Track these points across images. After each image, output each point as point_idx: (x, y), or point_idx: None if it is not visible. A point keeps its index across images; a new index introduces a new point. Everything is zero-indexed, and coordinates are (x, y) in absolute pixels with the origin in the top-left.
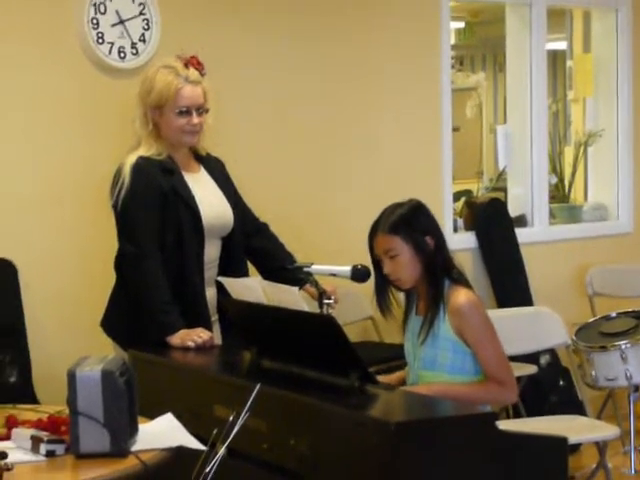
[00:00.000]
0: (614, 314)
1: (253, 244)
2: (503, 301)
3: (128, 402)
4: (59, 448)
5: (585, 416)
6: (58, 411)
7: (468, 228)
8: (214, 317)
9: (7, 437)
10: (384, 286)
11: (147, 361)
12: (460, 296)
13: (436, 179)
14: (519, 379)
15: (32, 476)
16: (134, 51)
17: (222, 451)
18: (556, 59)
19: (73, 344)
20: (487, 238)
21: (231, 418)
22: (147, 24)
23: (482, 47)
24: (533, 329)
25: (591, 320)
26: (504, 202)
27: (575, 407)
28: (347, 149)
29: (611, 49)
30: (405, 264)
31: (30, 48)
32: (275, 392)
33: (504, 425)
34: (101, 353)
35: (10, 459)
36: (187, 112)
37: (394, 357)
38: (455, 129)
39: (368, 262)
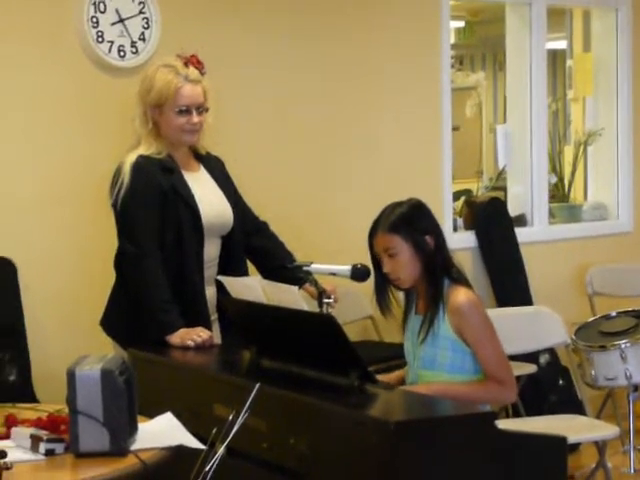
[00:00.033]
0: (614, 313)
1: (253, 243)
2: (503, 300)
3: (128, 401)
4: (58, 447)
5: (584, 415)
6: (57, 410)
7: (468, 227)
8: (214, 316)
9: (6, 436)
10: (384, 285)
11: (147, 360)
12: (460, 295)
13: (436, 178)
14: (519, 378)
15: (31, 475)
16: (134, 50)
17: (222, 450)
18: (556, 58)
19: (73, 343)
20: (487, 237)
21: (231, 417)
22: (147, 23)
23: (482, 46)
24: (533, 328)
25: (591, 319)
26: (504, 201)
27: (575, 406)
28: (347, 148)
29: (611, 48)
30: (405, 263)
31: (30, 47)
32: (275, 391)
33: (503, 424)
34: (101, 352)
35: (9, 458)
36: (187, 111)
37: (394, 356)
38: (455, 128)
39: (368, 262)
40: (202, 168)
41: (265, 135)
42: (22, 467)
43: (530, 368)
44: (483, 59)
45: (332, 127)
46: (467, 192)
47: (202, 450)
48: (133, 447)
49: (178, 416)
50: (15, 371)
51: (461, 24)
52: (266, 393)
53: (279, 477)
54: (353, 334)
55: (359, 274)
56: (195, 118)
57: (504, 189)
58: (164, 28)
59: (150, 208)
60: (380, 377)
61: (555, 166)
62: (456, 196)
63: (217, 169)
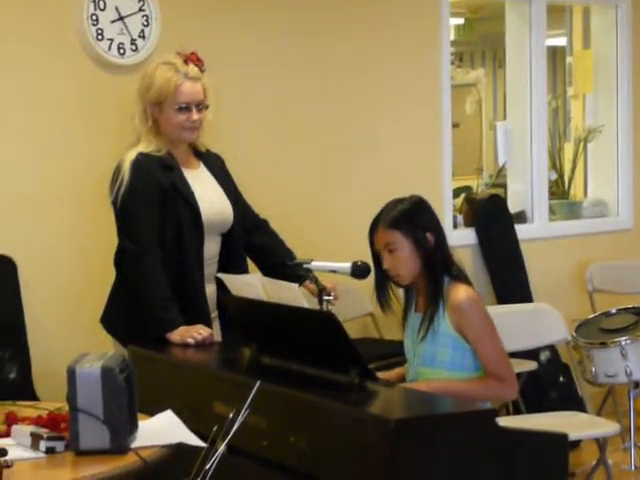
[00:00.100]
0: (614, 310)
1: (253, 240)
2: (503, 297)
3: (128, 399)
4: (59, 445)
5: (585, 412)
6: (58, 408)
7: (468, 224)
8: (214, 314)
9: (7, 434)
10: (384, 281)
11: (147, 358)
12: (460, 292)
13: (436, 175)
14: (519, 375)
15: (32, 473)
16: (134, 47)
17: (222, 448)
18: (556, 55)
19: (73, 341)
20: (487, 234)
21: (231, 415)
22: (147, 20)
23: (482, 43)
24: (533, 325)
25: (591, 316)
26: (504, 198)
27: (575, 403)
28: (347, 145)
29: (611, 45)
30: (404, 259)
31: (29, 45)
32: (275, 389)
33: (504, 422)
34: (101, 350)
35: (10, 456)
36: (187, 108)
37: (394, 354)
38: (455, 125)
39: (368, 261)
40: (202, 165)
41: (265, 133)
42: (22, 465)
43: (530, 365)
44: (483, 56)
45: (332, 125)
46: (467, 189)
47: (202, 448)
48: (133, 445)
49: (178, 414)
50: (15, 369)
51: (461, 21)
52: (266, 391)
53: (279, 475)
54: (353, 331)
55: (359, 271)
56: (195, 115)
57: (504, 186)
58: (164, 26)
59: (150, 206)
60: (380, 375)
61: (555, 163)
62: (456, 193)
63: (217, 166)
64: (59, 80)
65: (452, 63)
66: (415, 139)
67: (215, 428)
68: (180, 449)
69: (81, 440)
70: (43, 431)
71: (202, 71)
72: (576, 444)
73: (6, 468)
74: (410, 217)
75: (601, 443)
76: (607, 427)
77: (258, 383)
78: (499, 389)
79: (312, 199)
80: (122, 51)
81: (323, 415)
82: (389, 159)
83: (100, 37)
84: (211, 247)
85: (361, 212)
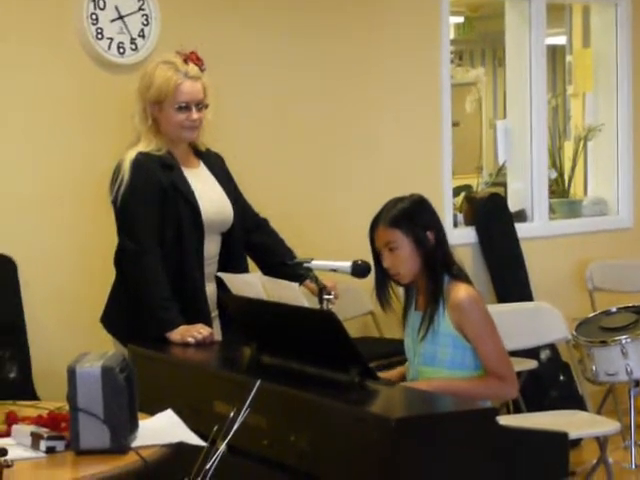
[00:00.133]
0: (614, 309)
1: (253, 240)
2: (503, 296)
3: (128, 398)
4: (59, 444)
5: (585, 411)
6: (58, 407)
7: (468, 223)
8: (214, 313)
9: (7, 434)
10: (384, 280)
11: (147, 357)
12: (460, 291)
13: (436, 174)
14: (519, 374)
15: (32, 472)
16: (133, 47)
17: (222, 447)
18: (555, 54)
19: (73, 340)
20: (487, 233)
21: (231, 414)
22: (146, 20)
23: (481, 42)
24: (533, 324)
25: (591, 315)
26: (504, 197)
27: (575, 402)
28: (347, 145)
29: (611, 44)
30: (405, 258)
31: (29, 44)
32: (275, 388)
33: (504, 420)
34: (101, 349)
35: (10, 456)
36: (186, 107)
37: (394, 353)
38: (455, 124)
39: (368, 260)
40: (202, 165)
41: (264, 132)
42: (23, 465)
43: (531, 364)
44: (483, 55)
45: (332, 124)
46: (467, 188)
47: (203, 447)
48: (134, 444)
49: (178, 413)
50: (15, 368)
51: (460, 20)
52: (266, 390)
53: (280, 474)
54: (353, 330)
55: (360, 270)
56: (195, 115)
57: (504, 185)
58: (164, 25)
59: (150, 205)
60: (381, 374)
61: (555, 161)
62: (456, 192)
63: (217, 166)
64: (59, 80)
65: (452, 62)
66: (415, 138)
67: (215, 427)
68: (180, 448)
69: (81, 440)
70: (43, 431)
71: (202, 70)
72: (576, 443)
73: (6, 468)
74: (410, 216)
75: (601, 442)
76: (607, 426)
77: (258, 382)
78: (499, 388)
79: (312, 199)
80: (122, 50)
81: (323, 414)
82: (389, 158)
83: (100, 36)
84: (211, 246)
85: (361, 212)
